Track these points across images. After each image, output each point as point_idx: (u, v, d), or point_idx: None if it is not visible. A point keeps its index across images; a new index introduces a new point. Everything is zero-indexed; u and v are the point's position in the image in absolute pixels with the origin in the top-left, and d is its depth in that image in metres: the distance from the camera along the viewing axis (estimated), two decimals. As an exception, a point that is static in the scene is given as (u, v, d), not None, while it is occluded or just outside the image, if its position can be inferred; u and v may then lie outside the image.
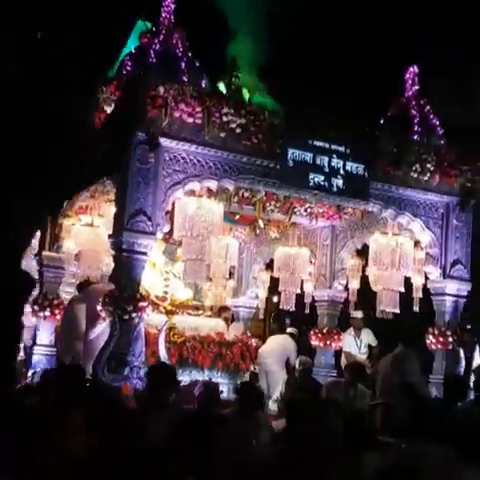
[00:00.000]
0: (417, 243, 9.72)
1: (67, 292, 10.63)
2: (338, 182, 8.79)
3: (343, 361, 11.26)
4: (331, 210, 10.19)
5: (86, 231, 10.18)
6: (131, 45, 9.89)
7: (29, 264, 10.43)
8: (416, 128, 9.50)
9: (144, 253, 8.13)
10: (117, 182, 8.37)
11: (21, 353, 10.46)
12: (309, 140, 8.68)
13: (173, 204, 8.61)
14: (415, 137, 9.47)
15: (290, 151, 8.56)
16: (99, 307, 8.24)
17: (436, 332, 9.42)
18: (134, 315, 7.99)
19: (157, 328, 9.30)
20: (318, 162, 8.71)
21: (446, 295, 9.55)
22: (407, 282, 9.85)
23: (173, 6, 9.35)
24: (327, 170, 8.73)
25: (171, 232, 8.97)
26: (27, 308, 9.88)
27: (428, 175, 9.28)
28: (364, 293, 10.90)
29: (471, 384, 7.97)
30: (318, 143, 8.72)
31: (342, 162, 8.78)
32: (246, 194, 9.71)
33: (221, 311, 11.16)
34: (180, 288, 10.46)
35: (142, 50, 9.14)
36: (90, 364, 8.09)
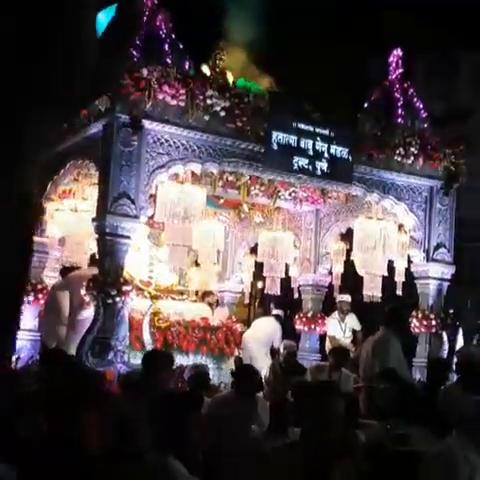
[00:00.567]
0: (401, 227, 9.73)
1: (51, 277, 10.54)
2: (322, 165, 8.77)
3: (327, 345, 11.30)
4: (315, 194, 10.17)
5: (70, 215, 10.09)
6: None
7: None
8: (400, 111, 9.48)
9: (128, 237, 8.07)
10: (100, 165, 8.31)
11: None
12: (293, 123, 8.65)
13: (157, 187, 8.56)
14: (399, 120, 9.45)
15: (274, 134, 8.52)
16: (83, 291, 8.19)
17: (420, 315, 9.44)
18: (118, 299, 7.95)
19: (141, 313, 9.29)
20: (302, 145, 8.68)
21: (430, 278, 9.57)
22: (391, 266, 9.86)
23: (156, -14, 9.22)
24: (311, 153, 8.71)
25: (155, 216, 8.91)
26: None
27: (412, 159, 9.28)
28: (348, 277, 10.92)
29: (454, 367, 7.99)
30: (302, 126, 8.69)
31: (326, 145, 8.76)
32: (230, 178, 9.67)
33: (205, 296, 11.16)
34: (165, 273, 10.42)
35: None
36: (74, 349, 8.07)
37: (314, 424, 3.34)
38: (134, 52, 8.52)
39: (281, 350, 9.84)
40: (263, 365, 10.27)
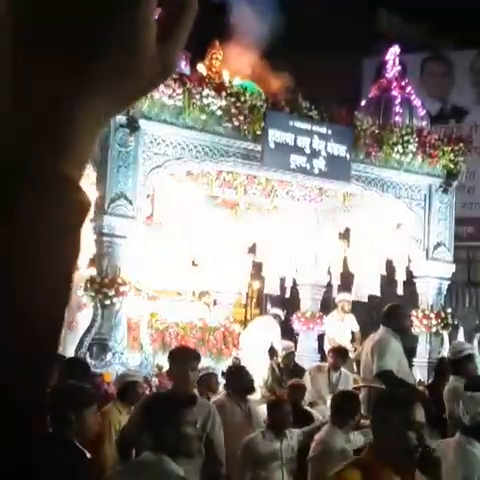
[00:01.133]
0: (400, 225, 9.66)
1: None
2: (320, 164, 8.71)
3: (326, 345, 11.20)
4: (313, 193, 10.10)
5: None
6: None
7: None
8: (398, 109, 9.41)
9: (125, 237, 8.00)
10: (97, 165, 8.23)
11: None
12: (290, 121, 8.59)
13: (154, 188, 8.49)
14: (397, 118, 9.39)
15: (271, 133, 8.47)
16: (80, 292, 8.11)
17: (420, 315, 9.37)
18: (115, 300, 7.88)
19: (139, 314, 9.20)
20: (299, 144, 8.63)
21: (429, 277, 9.50)
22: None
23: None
24: (308, 152, 8.65)
25: (153, 216, 8.84)
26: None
27: (410, 156, 9.22)
28: (347, 276, 10.85)
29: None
30: (299, 124, 8.63)
31: (324, 143, 8.70)
32: (227, 177, 9.60)
33: (202, 296, 11.05)
34: (162, 273, 10.32)
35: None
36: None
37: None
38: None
39: (279, 351, 9.75)
40: (261, 365, 10.20)
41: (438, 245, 9.53)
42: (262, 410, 6.51)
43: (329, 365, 8.88)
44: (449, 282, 9.67)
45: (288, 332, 11.17)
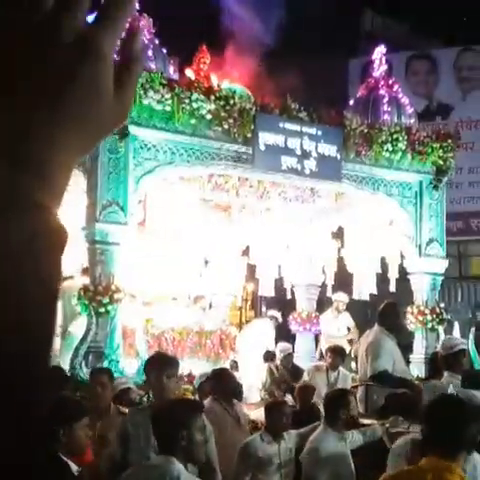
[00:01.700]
0: (392, 223, 9.56)
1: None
2: (311, 164, 8.62)
3: (322, 343, 11.08)
4: (305, 193, 9.99)
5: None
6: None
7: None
8: (386, 108, 9.31)
9: (118, 244, 7.88)
10: (87, 172, 8.10)
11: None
12: (280, 123, 8.49)
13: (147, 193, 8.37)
14: (385, 117, 9.29)
15: (261, 135, 8.37)
16: (74, 301, 7.98)
17: (415, 311, 9.27)
18: (110, 308, 7.77)
19: (134, 320, 9.08)
20: (290, 145, 8.53)
21: (423, 273, 9.40)
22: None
23: (137, -7, 9.04)
24: (299, 153, 8.56)
25: (145, 222, 8.72)
26: None
27: (400, 154, 9.12)
28: (341, 275, 10.74)
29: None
30: (289, 126, 8.54)
31: (314, 144, 8.61)
32: (219, 180, 9.49)
33: (197, 300, 10.93)
34: (156, 279, 10.20)
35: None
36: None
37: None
38: (117, 58, 8.32)
39: (277, 353, 9.61)
40: (258, 368, 10.07)
41: (430, 241, 9.43)
42: (260, 413, 6.40)
43: (327, 365, 8.77)
44: (443, 277, 9.57)
45: (285, 333, 11.06)
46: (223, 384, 6.24)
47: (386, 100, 9.32)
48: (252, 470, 5.52)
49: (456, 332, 9.73)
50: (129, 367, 8.21)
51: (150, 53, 8.66)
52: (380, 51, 9.61)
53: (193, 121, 8.19)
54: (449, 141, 9.31)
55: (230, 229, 11.30)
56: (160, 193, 8.57)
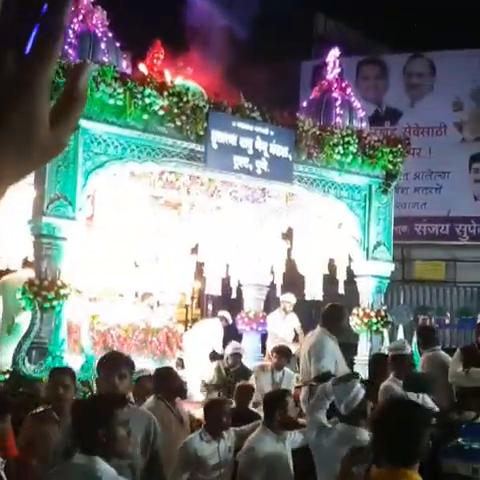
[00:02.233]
0: (341, 225, 9.53)
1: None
2: (262, 165, 8.53)
3: (269, 344, 11.01)
4: (256, 193, 9.90)
5: (3, 217, 9.52)
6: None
7: None
8: (338, 110, 9.27)
9: (65, 239, 7.66)
10: (35, 165, 7.84)
11: None
12: (233, 122, 8.38)
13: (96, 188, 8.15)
14: (337, 120, 9.25)
15: (214, 133, 8.24)
16: (19, 295, 7.73)
17: (360, 313, 9.25)
18: (55, 303, 7.55)
19: (80, 316, 8.86)
20: (242, 145, 8.43)
21: (369, 276, 9.39)
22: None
23: (92, -16, 8.81)
24: (251, 152, 8.46)
25: (93, 217, 8.50)
26: None
27: (351, 157, 9.09)
28: (290, 276, 10.67)
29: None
30: (242, 125, 8.43)
31: (266, 144, 8.52)
32: (170, 177, 9.33)
33: (144, 297, 10.73)
34: (102, 275, 9.99)
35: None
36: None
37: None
38: (69, 50, 8.10)
39: (228, 351, 9.47)
40: (204, 366, 9.95)
41: (378, 244, 9.43)
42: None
43: (272, 365, 8.72)
44: (388, 281, 9.59)
45: (233, 333, 10.95)
46: (167, 383, 6.11)
47: (339, 103, 9.28)
48: (191, 469, 5.43)
49: (400, 335, 9.76)
50: (73, 363, 7.99)
51: (103, 46, 8.45)
52: (334, 54, 9.56)
53: (145, 116, 8.02)
54: (399, 146, 9.32)
55: (180, 227, 11.14)
56: (109, 188, 8.36)
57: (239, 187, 9.70)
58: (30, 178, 8.15)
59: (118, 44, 8.73)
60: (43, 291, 7.51)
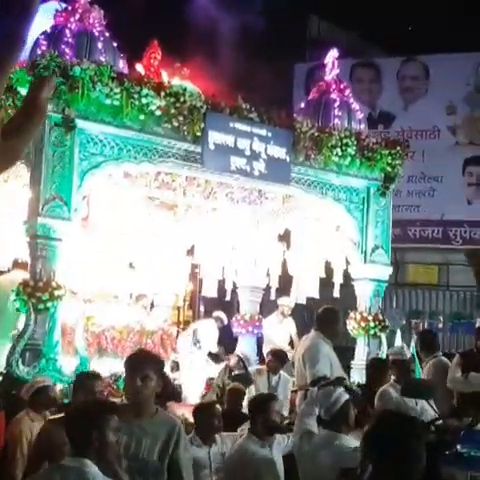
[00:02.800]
0: (338, 228, 9.38)
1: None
2: (260, 166, 8.40)
3: (265, 348, 10.85)
4: (252, 195, 9.75)
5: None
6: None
7: None
8: (336, 112, 9.13)
9: (60, 240, 7.51)
10: (31, 165, 7.69)
11: None
12: (230, 123, 8.24)
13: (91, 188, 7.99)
14: (336, 121, 9.10)
15: (211, 134, 8.10)
16: (13, 297, 7.57)
17: (357, 317, 9.10)
18: (50, 304, 7.41)
19: (74, 318, 8.70)
20: (240, 146, 8.29)
21: (367, 280, 9.23)
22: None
23: (89, -17, 8.66)
24: (249, 154, 8.33)
25: (88, 218, 8.35)
26: None
27: (349, 159, 8.95)
28: (286, 279, 10.51)
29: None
30: (240, 126, 8.29)
31: (264, 146, 8.38)
32: (166, 179, 9.18)
33: (139, 299, 10.57)
34: (97, 276, 9.82)
35: (57, 29, 8.41)
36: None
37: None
38: (66, 50, 7.95)
39: (232, 357, 9.21)
40: (198, 370, 9.77)
41: (376, 248, 9.28)
42: None
43: (267, 368, 8.57)
44: (386, 284, 9.44)
45: (228, 335, 10.79)
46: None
47: (337, 104, 9.13)
48: None
49: (398, 339, 9.61)
50: (68, 365, 7.85)
51: (100, 46, 8.30)
52: (332, 55, 9.42)
53: (142, 117, 7.89)
54: (398, 148, 9.18)
55: (175, 228, 10.98)
56: (105, 189, 8.21)
57: (235, 189, 9.55)
58: (25, 178, 7.99)
59: (115, 44, 8.59)
60: (37, 292, 7.38)
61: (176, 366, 9.83)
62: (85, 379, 5.78)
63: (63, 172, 7.53)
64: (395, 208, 16.58)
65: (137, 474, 3.91)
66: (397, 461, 2.88)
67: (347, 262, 9.48)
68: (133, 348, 9.12)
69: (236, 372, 8.28)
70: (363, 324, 9.06)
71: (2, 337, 8.30)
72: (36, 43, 8.30)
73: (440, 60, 18.86)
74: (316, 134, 8.69)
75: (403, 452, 2.90)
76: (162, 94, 7.95)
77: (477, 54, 18.32)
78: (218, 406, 5.95)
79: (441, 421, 6.22)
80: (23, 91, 7.86)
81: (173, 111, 7.99)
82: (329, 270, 9.74)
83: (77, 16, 8.33)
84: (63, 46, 7.88)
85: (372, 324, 9.04)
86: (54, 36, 8.18)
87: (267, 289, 10.78)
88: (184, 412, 7.72)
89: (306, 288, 9.83)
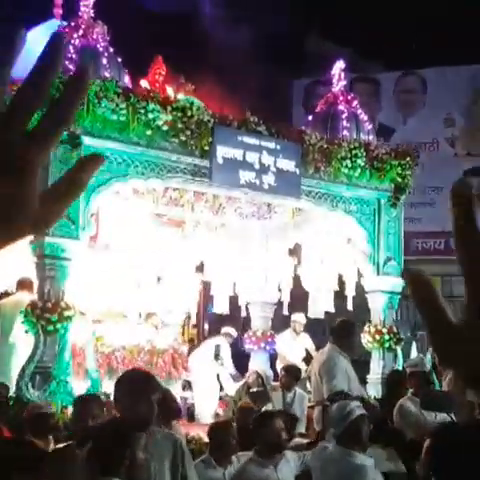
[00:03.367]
0: (350, 240, 9.07)
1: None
2: (269, 179, 8.12)
3: (278, 364, 10.48)
4: (261, 209, 9.45)
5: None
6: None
7: None
8: (345, 123, 8.86)
9: (68, 259, 7.21)
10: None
11: None
12: (239, 137, 7.96)
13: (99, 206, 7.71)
14: (344, 133, 8.83)
15: (219, 148, 7.85)
16: (20, 319, 7.26)
17: (372, 330, 8.77)
18: (59, 326, 7.09)
19: (84, 338, 8.37)
20: (248, 159, 8.02)
21: (380, 292, 8.92)
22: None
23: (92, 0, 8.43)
24: (258, 167, 8.06)
25: (97, 236, 8.05)
26: None
27: (359, 171, 8.66)
28: (298, 293, 10.18)
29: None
30: (248, 140, 8.01)
31: (273, 159, 8.10)
32: (174, 195, 8.89)
33: (149, 317, 10.24)
34: (107, 295, 9.51)
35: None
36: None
37: None
38: (70, 66, 7.70)
39: (253, 372, 8.85)
40: (211, 388, 9.44)
41: (388, 259, 8.96)
42: None
43: (281, 385, 8.23)
44: (400, 296, 9.12)
45: (241, 352, 10.45)
46: (164, 406, 5.59)
47: (345, 115, 8.87)
48: None
49: (414, 351, 9.30)
50: (78, 388, 7.53)
51: (104, 61, 8.07)
52: (339, 66, 9.18)
53: (149, 132, 7.63)
54: (408, 159, 8.90)
55: (184, 244, 10.68)
56: (113, 207, 7.93)
57: (244, 203, 9.25)
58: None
59: (119, 59, 8.35)
60: (46, 313, 7.13)
61: (188, 385, 9.50)
62: (82, 402, 5.43)
63: (70, 190, 7.24)
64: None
65: None
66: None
67: (359, 274, 9.17)
68: (144, 368, 8.80)
69: (254, 389, 7.92)
70: (377, 337, 8.73)
71: (7, 362, 7.99)
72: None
73: (437, 73, 18.74)
74: (325, 146, 8.43)
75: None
76: (168, 109, 7.73)
77: (473, 67, 18.22)
78: (234, 424, 5.62)
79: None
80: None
81: (180, 126, 7.75)
82: (341, 283, 9.42)
83: (80, 32, 8.12)
84: (67, 62, 7.64)
85: (387, 337, 8.71)
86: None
87: (279, 304, 10.44)
88: (198, 432, 7.41)
89: (321, 302, 9.50)
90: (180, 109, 7.79)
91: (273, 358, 10.65)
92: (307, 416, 7.99)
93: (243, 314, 10.69)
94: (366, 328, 8.84)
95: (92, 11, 8.36)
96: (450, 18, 17.01)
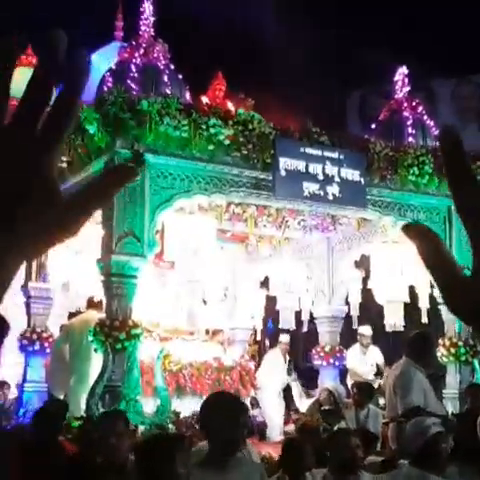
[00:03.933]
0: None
1: (57, 324, 9.48)
2: (333, 190, 7.84)
3: (350, 380, 10.09)
4: (325, 221, 9.15)
5: (72, 258, 9.02)
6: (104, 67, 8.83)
7: (13, 298, 9.25)
8: (410, 130, 8.52)
9: (135, 277, 7.09)
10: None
11: (12, 391, 9.38)
12: (301, 148, 7.73)
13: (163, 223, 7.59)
14: (410, 139, 8.49)
15: (282, 160, 7.63)
16: (90, 338, 7.16)
17: (447, 343, 8.34)
18: (127, 344, 6.95)
19: (151, 356, 8.21)
20: (311, 170, 7.76)
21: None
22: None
23: (152, 19, 8.39)
24: (321, 178, 7.79)
25: (162, 253, 7.93)
26: (14, 343, 8.81)
27: (427, 178, 8.29)
28: (366, 306, 9.81)
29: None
30: (311, 150, 7.78)
31: (336, 169, 7.84)
32: (237, 210, 8.70)
33: (215, 335, 10.04)
34: (172, 313, 9.36)
35: (122, 65, 8.14)
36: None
37: None
38: (132, 85, 7.65)
39: (325, 389, 8.53)
40: (276, 404, 9.15)
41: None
42: None
43: (354, 402, 7.87)
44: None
45: (306, 368, 10.14)
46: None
47: (410, 122, 8.53)
48: None
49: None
50: (146, 406, 7.37)
51: (166, 79, 8.00)
52: (402, 72, 8.85)
53: (211, 147, 7.50)
54: (478, 163, 8.47)
55: (248, 260, 10.46)
56: (177, 224, 7.80)
57: (308, 216, 8.98)
58: (97, 217, 7.63)
59: (180, 76, 8.27)
60: (114, 332, 7.01)
61: (256, 403, 9.24)
62: (106, 419, 5.10)
63: (135, 208, 7.18)
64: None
65: None
66: None
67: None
68: (212, 386, 8.59)
69: (326, 407, 7.60)
70: (453, 350, 8.29)
71: (79, 381, 7.91)
72: (102, 80, 8.06)
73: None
74: (391, 154, 8.10)
75: None
76: (230, 123, 7.58)
77: None
78: (307, 444, 5.35)
79: None
80: (91, 129, 7.60)
81: (242, 139, 7.60)
82: (413, 294, 9.00)
83: (141, 51, 8.07)
84: (129, 81, 7.61)
85: (463, 350, 8.26)
86: (120, 72, 7.95)
87: (348, 318, 10.08)
88: (269, 451, 7.15)
89: (393, 315, 9.10)
90: (241, 123, 7.64)
91: (342, 373, 10.28)
92: (381, 433, 7.64)
93: (305, 329, 10.36)
94: (441, 341, 8.41)
95: (152, 30, 8.32)
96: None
